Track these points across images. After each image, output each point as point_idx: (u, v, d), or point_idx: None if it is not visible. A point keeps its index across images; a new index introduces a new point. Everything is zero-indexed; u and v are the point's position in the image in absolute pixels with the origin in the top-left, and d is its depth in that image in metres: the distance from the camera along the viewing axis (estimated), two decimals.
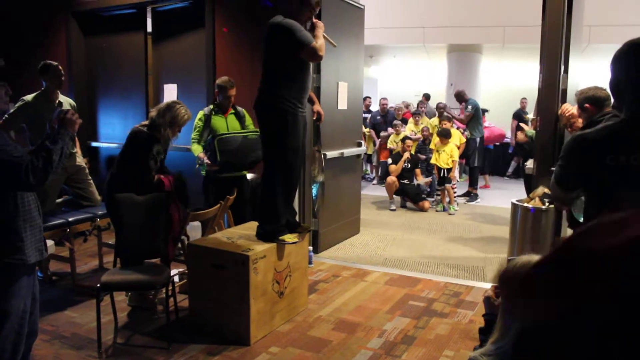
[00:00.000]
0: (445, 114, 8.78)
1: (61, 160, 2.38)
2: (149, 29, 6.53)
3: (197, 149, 4.76)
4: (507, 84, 15.46)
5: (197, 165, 4.81)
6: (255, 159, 4.67)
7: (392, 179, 8.05)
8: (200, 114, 4.82)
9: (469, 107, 8.77)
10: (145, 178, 3.83)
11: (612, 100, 2.74)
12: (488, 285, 2.61)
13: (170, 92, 6.19)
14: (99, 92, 6.92)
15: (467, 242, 6.20)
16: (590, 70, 10.21)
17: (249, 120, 4.94)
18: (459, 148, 8.36)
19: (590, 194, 1.95)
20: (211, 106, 4.87)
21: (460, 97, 9.04)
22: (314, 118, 3.98)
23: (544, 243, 4.50)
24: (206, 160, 4.66)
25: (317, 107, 3.96)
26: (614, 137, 1.78)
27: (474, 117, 8.73)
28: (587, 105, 3.32)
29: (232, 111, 4.88)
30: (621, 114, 1.80)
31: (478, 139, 8.74)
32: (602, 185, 1.80)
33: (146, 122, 3.93)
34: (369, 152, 10.42)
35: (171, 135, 3.90)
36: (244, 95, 5.07)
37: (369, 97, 11.76)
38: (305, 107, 3.70)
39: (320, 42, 3.45)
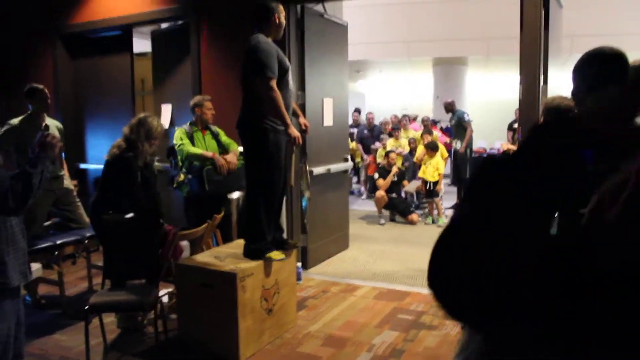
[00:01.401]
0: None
1: (41, 183, 2.40)
2: (135, 49, 6.58)
3: (194, 148, 4.73)
4: (493, 96, 15.62)
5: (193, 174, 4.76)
6: (241, 186, 4.72)
7: (380, 193, 8.10)
8: (181, 131, 4.82)
9: (455, 118, 8.86)
10: (135, 204, 3.84)
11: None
12: None
13: (166, 112, 6.24)
14: (86, 114, 6.94)
15: None
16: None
17: (224, 136, 4.97)
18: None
19: None
20: (189, 123, 4.90)
21: (449, 108, 9.10)
22: (302, 129, 4.02)
23: None
24: (220, 162, 4.66)
25: (302, 120, 4.01)
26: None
27: (461, 128, 8.82)
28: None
29: (208, 132, 4.91)
30: None
31: (467, 151, 8.82)
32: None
33: (120, 142, 3.93)
34: (358, 166, 10.49)
35: (149, 149, 3.93)
36: (232, 115, 5.11)
37: (357, 112, 11.85)
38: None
39: (277, 95, 3.49)
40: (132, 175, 3.82)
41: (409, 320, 4.15)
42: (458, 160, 8.82)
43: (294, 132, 3.61)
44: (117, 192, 3.85)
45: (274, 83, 3.50)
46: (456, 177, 9.19)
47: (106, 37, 6.64)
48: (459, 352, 1.41)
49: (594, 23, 10.30)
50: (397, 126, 9.91)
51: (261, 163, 3.65)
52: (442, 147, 8.68)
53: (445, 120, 13.36)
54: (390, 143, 9.43)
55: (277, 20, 3.70)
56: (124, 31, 6.46)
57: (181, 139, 4.77)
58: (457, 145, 8.83)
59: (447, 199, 9.08)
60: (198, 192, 4.67)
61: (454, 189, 9.70)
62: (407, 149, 9.16)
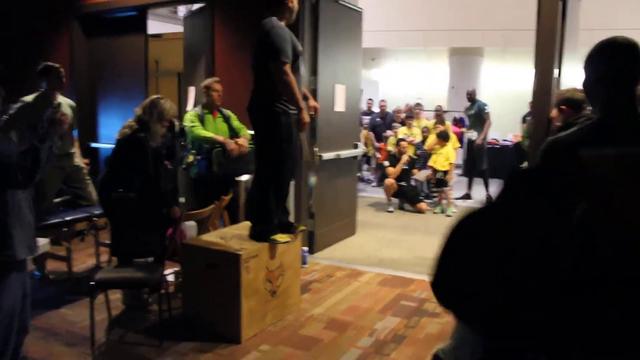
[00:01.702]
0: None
1: (50, 159, 2.43)
2: (149, 30, 6.60)
3: (205, 132, 4.76)
4: (509, 87, 15.48)
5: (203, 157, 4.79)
6: (249, 171, 4.76)
7: (390, 181, 8.09)
8: (193, 113, 4.86)
9: (476, 109, 8.78)
10: (148, 183, 3.88)
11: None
12: None
13: (191, 94, 6.27)
14: (99, 94, 6.98)
15: None
16: None
17: (235, 120, 4.99)
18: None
19: None
20: (200, 106, 4.92)
21: (471, 97, 9.00)
22: (311, 113, 4.02)
23: None
24: (231, 147, 4.70)
25: (312, 102, 4.01)
26: (588, 139, 1.80)
27: (480, 120, 8.75)
28: (563, 107, 3.34)
29: (219, 115, 4.92)
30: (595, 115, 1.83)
31: (484, 142, 8.76)
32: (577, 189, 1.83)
33: (131, 122, 3.95)
34: (369, 154, 10.47)
35: (160, 130, 3.96)
36: (244, 98, 5.12)
37: (371, 100, 11.82)
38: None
39: (291, 79, 3.49)
40: (145, 154, 3.85)
41: (412, 307, 4.16)
42: (475, 152, 8.74)
43: (306, 117, 3.62)
44: (128, 170, 3.88)
45: (288, 67, 3.50)
46: (471, 167, 9.09)
47: (121, 17, 6.67)
48: (453, 334, 1.42)
49: (613, 17, 10.16)
50: (410, 114, 9.86)
51: (272, 146, 3.65)
52: (454, 137, 8.64)
53: (460, 111, 13.30)
54: (402, 131, 9.38)
55: (290, 4, 3.69)
56: (139, 12, 6.47)
57: (192, 122, 4.79)
58: (473, 135, 8.74)
59: (457, 189, 9.05)
60: (206, 174, 4.69)
61: (464, 180, 9.67)
62: (419, 138, 9.11)
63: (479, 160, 8.72)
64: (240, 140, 4.80)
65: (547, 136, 4.57)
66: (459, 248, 0.89)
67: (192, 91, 6.26)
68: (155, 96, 4.09)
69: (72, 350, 3.35)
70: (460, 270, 0.89)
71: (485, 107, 8.79)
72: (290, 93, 3.51)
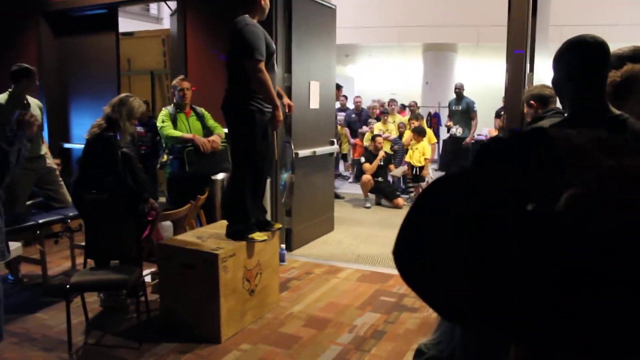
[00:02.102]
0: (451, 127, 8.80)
1: (19, 162, 2.39)
2: (121, 29, 6.52)
3: (175, 132, 4.75)
4: (482, 83, 15.64)
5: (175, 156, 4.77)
6: (223, 169, 4.73)
7: (367, 177, 8.12)
8: (165, 112, 4.85)
9: (464, 105, 8.80)
10: (119, 182, 3.84)
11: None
12: None
13: None
14: (70, 93, 6.87)
15: None
16: None
17: (209, 119, 4.97)
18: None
19: None
20: (173, 105, 4.89)
21: (459, 93, 8.97)
22: (286, 111, 4.03)
23: None
24: (200, 142, 4.68)
25: (286, 100, 4.01)
26: None
27: (467, 116, 8.78)
28: (532, 102, 3.44)
29: (192, 113, 4.89)
30: (565, 111, 1.87)
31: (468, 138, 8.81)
32: None
33: (100, 121, 3.91)
34: (344, 151, 10.48)
35: (129, 128, 3.95)
36: (217, 96, 5.09)
37: (344, 97, 11.82)
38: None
39: (266, 77, 3.48)
40: (114, 153, 3.81)
41: (391, 302, 4.19)
42: (460, 148, 8.75)
43: (281, 115, 3.61)
44: (99, 170, 3.83)
45: (262, 65, 3.49)
46: (448, 162, 9.13)
47: (91, 15, 6.56)
48: (436, 330, 1.43)
49: (583, 13, 10.32)
50: (386, 110, 9.90)
51: (247, 144, 3.64)
52: (430, 133, 8.71)
53: (434, 106, 13.40)
54: (377, 127, 9.42)
55: (263, 2, 3.67)
56: (110, 10, 6.38)
57: (162, 121, 4.77)
58: (458, 131, 8.77)
59: None
60: (179, 173, 4.67)
61: (442, 174, 9.73)
62: (395, 134, 9.16)
63: (464, 157, 8.77)
64: (213, 137, 4.79)
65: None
66: (427, 214, 0.83)
67: None
68: (124, 94, 4.07)
69: (49, 355, 3.30)
70: (426, 241, 0.81)
71: (474, 105, 8.80)
72: (266, 91, 3.50)
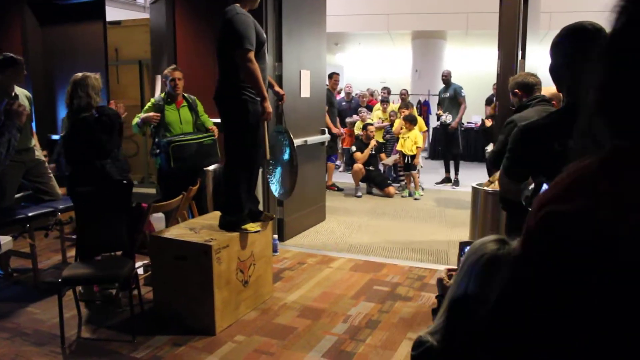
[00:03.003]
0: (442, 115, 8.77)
1: (9, 152, 2.34)
2: (108, 18, 6.42)
3: (134, 120, 4.76)
4: (471, 70, 15.65)
5: (161, 150, 4.74)
6: (209, 165, 4.71)
7: (358, 166, 8.11)
8: (152, 101, 4.80)
9: (451, 91, 8.77)
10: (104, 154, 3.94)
11: (541, 85, 2.82)
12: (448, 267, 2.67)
13: (158, 83, 6.11)
14: (57, 84, 6.77)
15: (432, 226, 6.30)
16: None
17: (201, 109, 4.92)
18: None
19: (540, 182, 2.00)
20: (162, 94, 4.82)
21: (446, 80, 8.92)
22: (275, 98, 4.00)
23: (504, 225, 4.61)
24: (147, 116, 4.66)
25: (277, 88, 3.99)
26: (559, 124, 1.83)
27: (456, 103, 8.77)
28: (516, 90, 3.47)
29: (184, 103, 4.83)
30: (562, 99, 1.85)
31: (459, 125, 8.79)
32: (553, 172, 1.84)
33: (67, 115, 4.00)
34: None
35: (97, 99, 3.99)
36: (208, 86, 5.04)
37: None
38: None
39: (255, 67, 3.45)
40: (93, 130, 3.88)
41: (385, 291, 4.19)
42: (449, 135, 8.77)
43: (269, 106, 3.59)
44: (89, 153, 3.86)
45: (252, 55, 3.45)
46: (445, 151, 9.12)
47: (77, 4, 6.46)
48: (441, 316, 1.43)
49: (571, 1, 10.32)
50: (385, 98, 9.86)
51: (241, 134, 3.61)
52: (420, 121, 8.69)
53: (424, 94, 13.39)
54: (377, 115, 9.39)
55: None
56: None
57: (144, 111, 4.76)
58: (448, 119, 8.76)
59: (431, 173, 9.13)
60: (166, 167, 4.64)
61: (433, 163, 9.75)
62: (388, 122, 9.15)
63: (454, 144, 8.78)
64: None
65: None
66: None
67: (159, 79, 6.11)
68: (75, 78, 4.03)
69: (41, 350, 3.26)
70: None
71: (462, 91, 8.79)
72: (254, 81, 3.47)
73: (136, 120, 4.73)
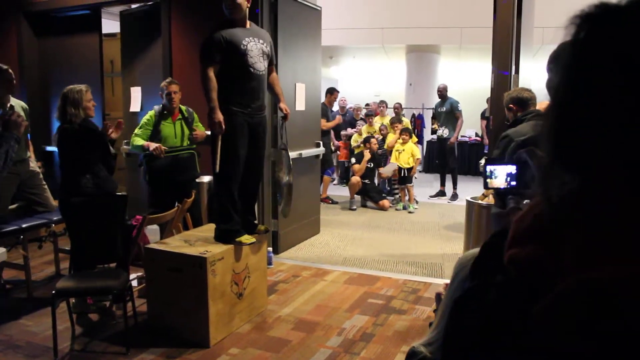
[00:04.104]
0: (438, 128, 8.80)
1: (7, 163, 2.35)
2: (104, 30, 6.44)
3: (138, 140, 4.68)
4: (465, 84, 15.75)
5: (141, 163, 4.73)
6: (186, 179, 4.69)
7: (356, 178, 8.13)
8: (150, 113, 4.78)
9: (448, 106, 8.80)
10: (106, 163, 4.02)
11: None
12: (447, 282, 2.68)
13: (135, 95, 6.12)
14: (53, 95, 6.76)
15: (426, 239, 6.31)
16: (543, 70, 10.46)
17: (196, 120, 4.92)
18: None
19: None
20: (161, 106, 4.82)
21: (442, 94, 8.94)
22: (282, 115, 4.05)
23: None
24: (152, 148, 4.58)
25: (282, 105, 4.03)
26: None
27: (452, 117, 8.80)
28: (511, 105, 3.50)
29: (180, 116, 4.82)
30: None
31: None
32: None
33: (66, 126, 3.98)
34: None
35: (82, 113, 4.00)
36: (203, 99, 5.05)
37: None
38: (259, 109, 3.76)
39: (206, 80, 3.57)
40: (66, 143, 3.94)
41: (379, 304, 4.19)
42: (446, 149, 8.79)
43: (218, 116, 3.57)
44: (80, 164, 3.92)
45: (209, 70, 3.57)
46: (443, 164, 9.12)
47: (74, 16, 6.48)
48: (435, 328, 1.43)
49: (565, 15, 10.42)
50: (371, 112, 9.91)
51: (225, 147, 3.66)
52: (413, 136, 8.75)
53: (418, 107, 13.45)
54: (364, 129, 9.43)
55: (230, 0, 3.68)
56: (93, 11, 6.31)
57: (140, 127, 4.73)
58: (445, 133, 8.78)
59: (419, 186, 9.15)
60: (147, 181, 4.68)
61: (427, 176, 9.76)
62: (380, 136, 9.19)
63: (451, 158, 8.81)
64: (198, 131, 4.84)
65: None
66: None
67: (137, 92, 6.11)
68: (62, 94, 4.10)
69: None
70: None
71: (458, 105, 8.83)
72: (206, 93, 3.58)
73: (140, 142, 4.67)
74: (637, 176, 0.50)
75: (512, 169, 2.11)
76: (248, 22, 3.78)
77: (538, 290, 0.54)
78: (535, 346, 0.53)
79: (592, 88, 0.54)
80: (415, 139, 8.88)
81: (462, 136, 12.28)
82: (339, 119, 9.04)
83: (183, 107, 4.85)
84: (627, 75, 0.50)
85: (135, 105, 6.08)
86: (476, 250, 1.51)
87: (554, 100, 0.59)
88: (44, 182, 4.97)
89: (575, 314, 0.49)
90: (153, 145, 4.58)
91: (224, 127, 3.59)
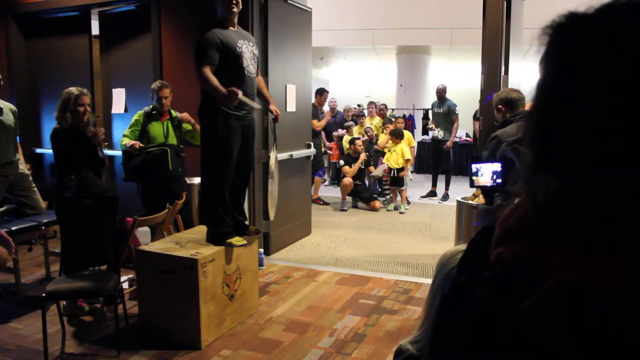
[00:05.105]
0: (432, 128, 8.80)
1: None
2: (94, 31, 6.41)
3: (125, 140, 4.69)
4: (456, 85, 15.80)
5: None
6: (158, 177, 4.65)
7: (348, 180, 8.14)
8: (139, 113, 4.77)
9: (445, 107, 8.81)
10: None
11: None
12: None
13: (118, 97, 6.10)
14: (42, 97, 6.74)
15: (417, 240, 6.33)
16: (533, 71, 10.50)
17: (186, 126, 4.90)
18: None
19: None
20: (151, 106, 4.80)
21: (441, 95, 8.93)
22: (272, 117, 4.05)
23: None
24: (129, 145, 4.60)
25: (272, 107, 4.02)
26: None
27: (448, 119, 8.80)
28: (500, 106, 3.53)
29: (169, 117, 4.81)
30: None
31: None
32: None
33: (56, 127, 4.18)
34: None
35: (70, 117, 4.13)
36: (193, 100, 5.04)
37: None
38: (250, 112, 3.75)
39: (206, 78, 3.49)
40: (59, 140, 4.12)
41: (371, 305, 4.20)
42: (440, 150, 8.80)
43: (229, 89, 3.51)
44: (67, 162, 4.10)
45: (206, 69, 3.51)
46: (437, 165, 9.12)
47: (63, 17, 6.45)
48: (421, 325, 1.43)
49: (554, 15, 10.50)
50: (361, 113, 9.93)
51: (210, 148, 3.66)
52: (409, 136, 8.76)
53: (409, 108, 13.49)
54: (355, 130, 9.45)
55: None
56: (82, 12, 6.28)
57: (129, 127, 4.73)
58: (440, 134, 8.79)
59: (411, 187, 9.16)
60: (124, 179, 4.70)
61: (418, 176, 9.79)
62: (367, 137, 9.21)
63: (445, 160, 8.83)
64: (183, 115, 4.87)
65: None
66: None
67: (120, 94, 6.09)
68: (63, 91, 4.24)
69: None
70: None
71: (456, 108, 8.83)
72: (209, 87, 3.51)
73: (125, 141, 4.68)
74: (616, 178, 0.51)
75: (497, 166, 2.13)
76: (236, 25, 3.78)
77: (525, 287, 0.55)
78: (522, 344, 0.54)
79: (567, 93, 0.55)
80: (412, 142, 8.88)
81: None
82: (328, 114, 9.06)
83: (174, 112, 4.84)
84: (596, 81, 0.52)
85: (118, 107, 6.07)
86: (457, 247, 1.52)
87: (535, 103, 0.61)
88: (34, 185, 4.95)
89: (556, 313, 0.50)
90: (130, 143, 4.59)
91: (238, 90, 3.51)
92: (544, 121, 0.58)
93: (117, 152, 5.66)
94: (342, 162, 8.48)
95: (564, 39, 0.57)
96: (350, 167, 8.27)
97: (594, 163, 0.52)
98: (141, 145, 4.61)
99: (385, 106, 10.77)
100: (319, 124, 8.36)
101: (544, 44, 0.59)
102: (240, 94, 3.47)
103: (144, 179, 4.69)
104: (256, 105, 3.81)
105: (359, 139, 8.64)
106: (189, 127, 4.87)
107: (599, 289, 0.47)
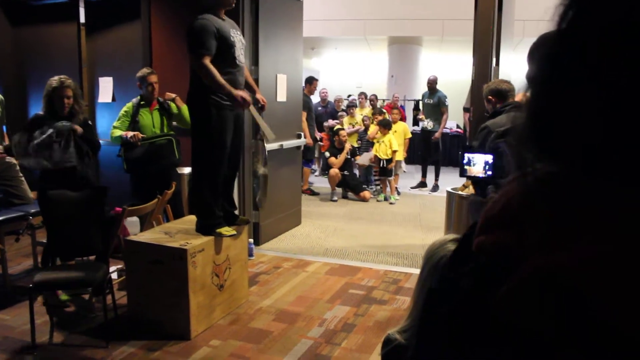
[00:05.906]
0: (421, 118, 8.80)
1: None
2: (82, 19, 6.33)
3: (117, 132, 4.64)
4: (447, 76, 15.81)
5: (120, 153, 4.69)
6: (165, 166, 4.65)
7: (335, 171, 8.14)
8: (129, 105, 4.73)
9: (435, 99, 8.80)
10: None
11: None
12: None
13: (105, 85, 6.04)
14: (30, 86, 6.66)
15: (407, 230, 6.35)
16: (524, 63, 10.52)
17: (174, 109, 4.85)
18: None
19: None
20: (139, 97, 4.76)
21: (432, 86, 8.94)
22: (259, 106, 3.99)
23: None
24: (129, 136, 4.55)
25: (259, 95, 3.97)
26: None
27: (437, 110, 8.80)
28: (490, 97, 3.53)
29: (157, 106, 4.77)
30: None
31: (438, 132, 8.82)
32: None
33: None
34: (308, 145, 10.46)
35: (50, 106, 4.21)
36: (182, 88, 5.00)
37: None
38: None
39: (208, 69, 3.44)
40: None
41: (360, 295, 4.21)
42: (430, 141, 8.81)
43: (239, 93, 3.53)
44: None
45: (206, 59, 3.45)
46: (426, 156, 9.12)
47: (51, 4, 6.37)
48: (409, 315, 1.44)
49: (545, 7, 10.50)
50: (353, 104, 9.92)
51: (203, 139, 3.62)
52: (405, 127, 8.75)
53: (400, 99, 13.48)
54: (346, 121, 9.45)
55: None
56: None
57: (119, 118, 4.68)
58: (429, 125, 8.80)
59: (401, 177, 9.17)
60: (125, 171, 4.66)
61: (408, 167, 9.80)
62: (363, 127, 9.21)
63: (434, 150, 8.84)
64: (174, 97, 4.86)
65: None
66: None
67: (107, 82, 6.02)
68: None
69: (11, 357, 3.20)
70: None
71: (446, 100, 8.84)
72: (213, 83, 3.46)
73: (118, 133, 4.63)
74: (605, 162, 0.50)
75: (489, 158, 2.13)
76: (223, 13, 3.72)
77: (506, 276, 0.54)
78: (505, 332, 0.53)
79: (575, 71, 0.53)
80: (408, 133, 8.86)
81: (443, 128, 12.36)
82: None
83: (161, 99, 4.81)
84: (611, 58, 0.49)
85: (105, 96, 6.01)
86: (445, 237, 1.52)
87: (533, 89, 0.59)
88: (21, 174, 4.90)
89: (532, 299, 0.49)
90: (130, 133, 4.55)
91: (248, 98, 3.53)
92: (546, 101, 0.56)
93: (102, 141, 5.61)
94: (327, 153, 8.47)
95: (580, 9, 0.54)
96: (337, 158, 8.26)
97: (588, 146, 0.51)
98: (143, 135, 4.57)
99: (376, 97, 10.77)
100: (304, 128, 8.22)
101: (558, 14, 0.57)
102: (252, 108, 3.49)
103: (150, 169, 4.65)
104: (269, 132, 3.81)
105: (343, 129, 8.63)
106: (176, 109, 4.82)
107: (576, 274, 0.47)
